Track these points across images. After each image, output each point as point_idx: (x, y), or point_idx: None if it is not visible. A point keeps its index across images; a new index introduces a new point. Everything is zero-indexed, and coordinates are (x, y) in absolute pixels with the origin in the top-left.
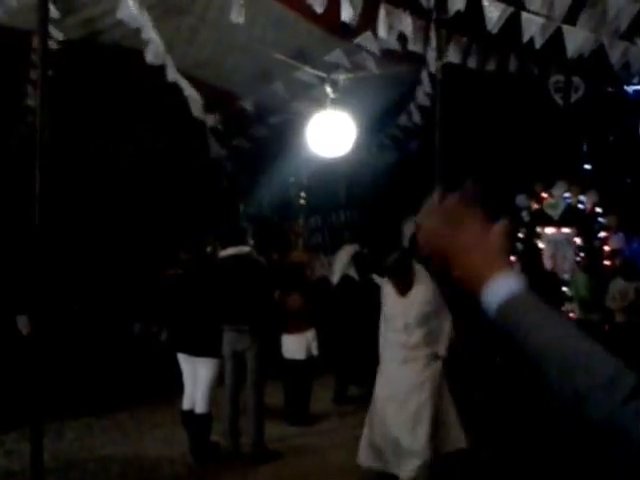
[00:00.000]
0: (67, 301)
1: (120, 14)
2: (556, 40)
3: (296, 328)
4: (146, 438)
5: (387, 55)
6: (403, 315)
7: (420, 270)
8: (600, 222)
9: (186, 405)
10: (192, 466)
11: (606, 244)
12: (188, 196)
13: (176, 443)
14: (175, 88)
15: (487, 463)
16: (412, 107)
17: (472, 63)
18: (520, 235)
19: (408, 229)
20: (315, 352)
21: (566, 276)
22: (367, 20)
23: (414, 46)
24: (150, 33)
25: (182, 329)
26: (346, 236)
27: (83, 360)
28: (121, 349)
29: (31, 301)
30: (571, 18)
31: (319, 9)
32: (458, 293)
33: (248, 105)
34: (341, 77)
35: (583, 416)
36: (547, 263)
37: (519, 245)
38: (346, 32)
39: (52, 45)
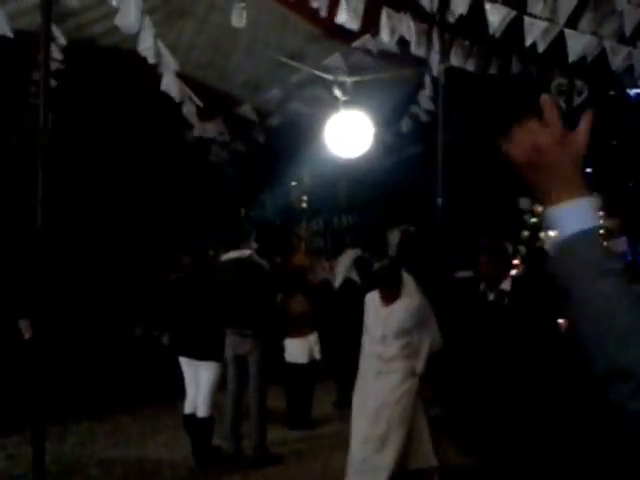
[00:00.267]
0: (69, 305)
1: (118, 21)
2: (559, 43)
3: (298, 332)
4: (148, 442)
5: (388, 58)
6: (382, 326)
7: (408, 281)
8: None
9: (188, 409)
10: (194, 470)
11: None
12: (190, 200)
13: (178, 447)
14: None
15: (482, 472)
16: (416, 110)
17: (474, 66)
18: (524, 238)
19: (393, 238)
20: (317, 356)
21: None
22: (368, 23)
23: (416, 50)
24: (149, 40)
25: (184, 333)
26: (348, 240)
27: (85, 364)
28: (123, 353)
29: (33, 305)
30: (574, 22)
31: (324, 13)
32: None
33: (250, 108)
34: (348, 80)
35: (606, 393)
36: None
37: (523, 248)
38: (347, 35)
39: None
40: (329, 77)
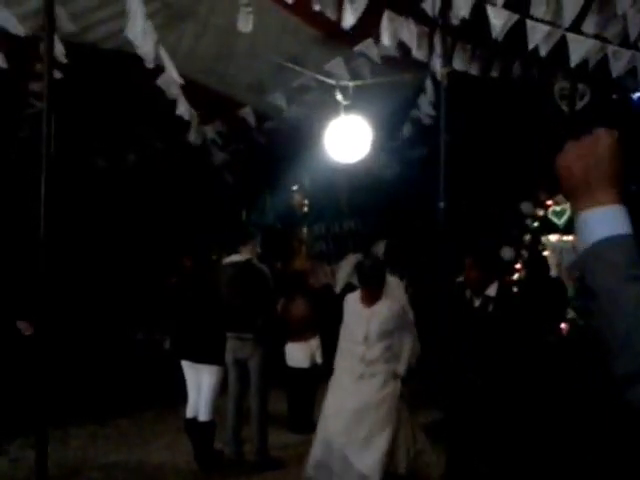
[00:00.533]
0: (71, 309)
1: (129, 32)
2: (561, 47)
3: (300, 336)
4: (150, 446)
5: (389, 63)
6: (365, 327)
7: (392, 282)
8: None
9: (189, 413)
10: (196, 474)
11: None
12: (191, 204)
13: (180, 451)
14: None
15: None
16: (417, 115)
17: (477, 70)
18: (525, 242)
19: (379, 250)
20: (319, 360)
21: (571, 283)
22: (369, 28)
23: (418, 53)
24: (150, 44)
25: (185, 336)
26: (350, 245)
27: (87, 368)
28: (125, 357)
29: (32, 306)
30: (577, 26)
31: (332, 15)
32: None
33: (251, 111)
34: (350, 84)
35: (626, 399)
36: (553, 271)
37: (524, 252)
38: (348, 39)
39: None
40: (331, 81)
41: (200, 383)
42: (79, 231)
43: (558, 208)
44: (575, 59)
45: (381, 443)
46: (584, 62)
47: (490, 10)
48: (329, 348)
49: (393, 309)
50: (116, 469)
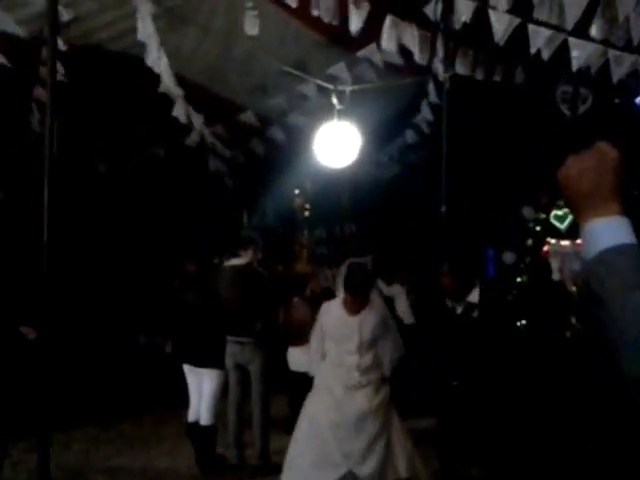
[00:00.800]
0: (74, 313)
1: (140, 35)
2: (563, 51)
3: (301, 340)
4: (152, 450)
5: (391, 67)
6: (357, 335)
7: (373, 290)
8: None
9: (191, 417)
10: (198, 478)
11: None
12: (192, 207)
13: (182, 455)
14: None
15: None
16: (419, 119)
17: (479, 74)
18: (529, 246)
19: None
20: None
21: (574, 288)
22: (372, 32)
23: (420, 58)
24: (155, 53)
25: (187, 340)
26: (351, 249)
27: (89, 372)
28: (127, 361)
29: (36, 312)
30: (579, 30)
31: (334, 21)
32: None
33: (251, 116)
34: (347, 88)
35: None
36: (555, 275)
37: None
38: (351, 44)
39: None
40: (329, 86)
41: (202, 387)
42: (82, 235)
43: (560, 212)
44: (577, 63)
45: (380, 450)
46: (586, 66)
47: (492, 14)
48: None
49: (380, 314)
50: (118, 473)
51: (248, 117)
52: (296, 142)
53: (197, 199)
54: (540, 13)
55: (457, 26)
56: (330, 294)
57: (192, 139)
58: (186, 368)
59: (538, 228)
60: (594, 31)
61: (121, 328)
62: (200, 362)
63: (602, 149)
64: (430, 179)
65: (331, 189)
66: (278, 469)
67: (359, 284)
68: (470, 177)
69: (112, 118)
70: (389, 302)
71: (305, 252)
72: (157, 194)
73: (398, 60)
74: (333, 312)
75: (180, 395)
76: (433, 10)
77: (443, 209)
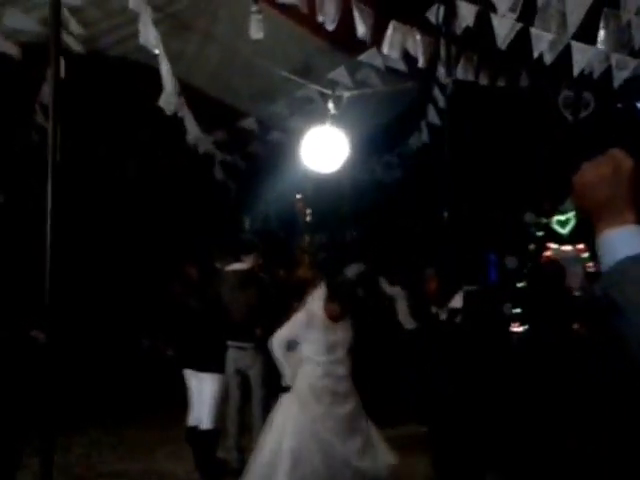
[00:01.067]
0: (76, 316)
1: (142, 39)
2: (566, 56)
3: None
4: (154, 454)
5: (393, 72)
6: (343, 343)
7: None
8: None
9: (192, 421)
10: None
11: None
12: (194, 211)
13: (183, 459)
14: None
15: None
16: (424, 124)
17: (481, 79)
18: (531, 251)
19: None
20: None
21: (577, 293)
22: (374, 37)
23: (422, 63)
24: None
25: (188, 344)
26: (353, 254)
27: (92, 376)
28: (129, 365)
29: (43, 317)
30: (581, 34)
31: (330, 26)
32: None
33: (252, 121)
34: (345, 94)
35: None
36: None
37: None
38: (353, 48)
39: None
40: (327, 91)
41: (202, 392)
42: (85, 239)
43: (562, 217)
44: (579, 67)
45: (375, 443)
46: (589, 71)
47: (494, 19)
48: None
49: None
50: (120, 477)
51: (249, 123)
52: (297, 147)
53: (199, 203)
54: (542, 19)
55: (459, 31)
56: None
57: (192, 142)
58: (187, 372)
59: (540, 233)
60: (595, 36)
61: (123, 332)
62: (202, 366)
63: (617, 157)
64: (432, 184)
65: (333, 194)
66: None
67: (347, 295)
68: (472, 181)
69: (114, 123)
70: (390, 302)
71: (307, 257)
72: (159, 198)
73: (400, 65)
74: (318, 318)
75: (182, 399)
76: (435, 15)
77: (445, 213)
